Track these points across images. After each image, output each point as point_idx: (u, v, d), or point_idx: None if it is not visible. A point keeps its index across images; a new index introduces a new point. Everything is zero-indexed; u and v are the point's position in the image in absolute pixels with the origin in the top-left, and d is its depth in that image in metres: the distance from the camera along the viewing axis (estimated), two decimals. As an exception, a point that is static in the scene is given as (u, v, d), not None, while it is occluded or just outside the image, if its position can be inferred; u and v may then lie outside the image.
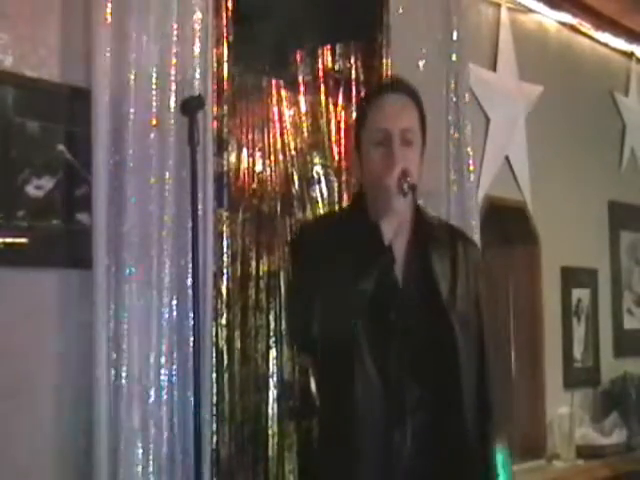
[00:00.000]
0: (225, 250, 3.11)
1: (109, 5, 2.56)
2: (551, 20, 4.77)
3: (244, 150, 3.24)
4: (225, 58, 3.10)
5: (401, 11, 3.59)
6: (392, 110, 2.23)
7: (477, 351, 2.26)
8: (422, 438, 2.14)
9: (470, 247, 2.39)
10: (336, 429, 2.19)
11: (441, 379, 2.17)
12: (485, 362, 2.28)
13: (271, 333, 3.24)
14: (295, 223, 3.34)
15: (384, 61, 3.57)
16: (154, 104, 2.65)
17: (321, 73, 3.49)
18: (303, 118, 3.42)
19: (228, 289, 3.11)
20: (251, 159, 3.26)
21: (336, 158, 3.49)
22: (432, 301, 2.19)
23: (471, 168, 3.80)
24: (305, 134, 3.42)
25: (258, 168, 3.28)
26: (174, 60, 2.70)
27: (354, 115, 2.55)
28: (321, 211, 3.44)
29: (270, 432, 3.20)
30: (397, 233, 2.17)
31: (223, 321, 3.09)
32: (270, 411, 3.21)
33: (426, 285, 2.21)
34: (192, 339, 2.58)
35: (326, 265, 2.11)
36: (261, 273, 3.23)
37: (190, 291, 2.62)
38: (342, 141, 3.51)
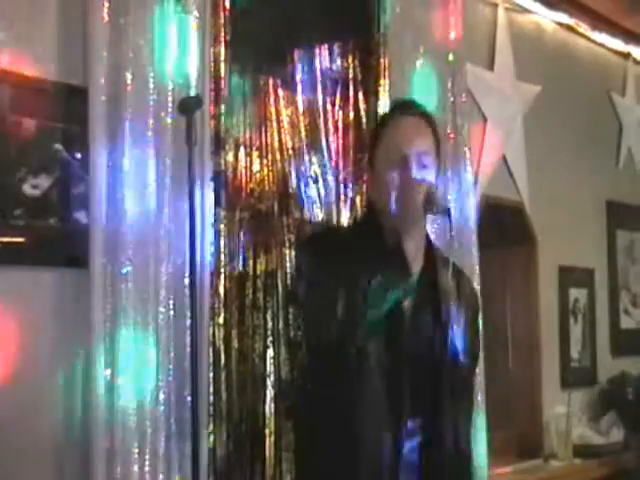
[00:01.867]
0: (222, 249, 3.10)
1: (106, 4, 2.55)
2: (548, 20, 4.78)
3: (241, 149, 3.24)
4: (222, 57, 3.09)
5: (398, 10, 3.59)
6: (410, 132, 2.23)
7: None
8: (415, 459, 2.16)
9: (471, 291, 2.42)
10: (329, 439, 2.17)
11: (436, 407, 2.18)
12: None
13: (268, 332, 3.23)
14: (293, 222, 3.33)
15: (381, 60, 3.57)
16: (151, 103, 2.64)
17: (318, 72, 3.49)
18: (300, 117, 3.42)
19: (225, 288, 3.11)
20: (249, 158, 3.26)
21: (334, 157, 3.48)
22: (438, 327, 2.20)
23: (468, 168, 3.80)
24: (302, 133, 3.41)
25: (256, 167, 3.27)
26: (171, 59, 2.70)
27: (368, 136, 2.55)
28: (319, 211, 3.44)
29: (267, 431, 3.19)
30: (414, 258, 2.18)
31: (220, 320, 3.08)
32: (267, 410, 3.20)
33: (433, 312, 2.22)
34: (189, 338, 2.57)
35: (346, 282, 2.09)
36: (258, 272, 3.23)
37: (187, 290, 2.62)
38: (339, 140, 3.50)
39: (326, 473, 2.18)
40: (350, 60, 3.58)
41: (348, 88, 3.56)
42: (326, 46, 3.53)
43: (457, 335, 2.21)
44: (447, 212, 2.17)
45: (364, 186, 3.50)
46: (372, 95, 3.58)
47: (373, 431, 2.13)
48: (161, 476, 2.59)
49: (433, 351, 2.18)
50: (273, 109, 3.34)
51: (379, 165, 2.25)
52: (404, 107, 2.37)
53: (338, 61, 3.57)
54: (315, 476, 2.23)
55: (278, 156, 3.34)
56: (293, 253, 3.30)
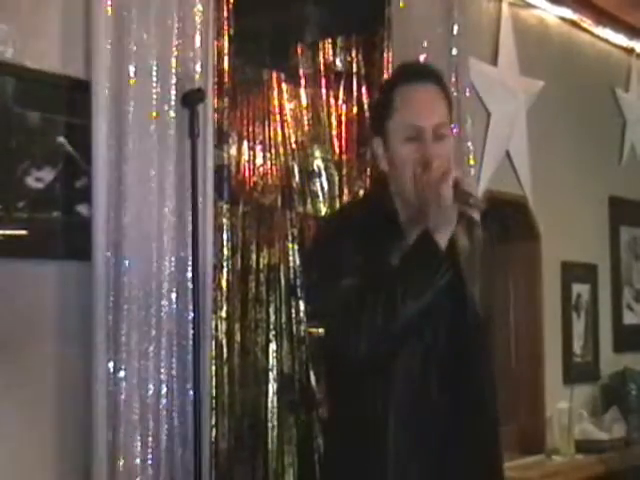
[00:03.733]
0: (225, 243, 3.11)
1: (109, -4, 2.56)
2: (552, 15, 4.76)
3: (244, 143, 3.24)
4: (226, 51, 3.10)
5: (402, 5, 3.59)
6: (424, 105, 2.12)
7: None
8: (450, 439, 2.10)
9: (482, 233, 2.31)
10: (358, 428, 2.11)
11: (473, 379, 2.14)
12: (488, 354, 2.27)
13: (271, 326, 3.24)
14: (295, 216, 3.34)
15: (385, 55, 3.57)
16: (154, 96, 2.64)
17: (322, 66, 3.49)
18: (304, 111, 3.42)
19: (228, 282, 3.11)
20: (251, 152, 3.26)
21: (337, 151, 3.48)
22: (461, 298, 2.14)
23: (472, 162, 3.80)
24: (306, 127, 3.42)
25: (259, 161, 3.28)
26: (175, 52, 2.70)
27: (376, 101, 2.40)
28: (322, 205, 3.44)
29: (269, 425, 3.20)
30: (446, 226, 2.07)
31: (223, 314, 3.09)
32: (269, 404, 3.21)
33: (456, 282, 2.12)
34: (192, 332, 2.58)
35: (368, 271, 2.03)
36: (261, 266, 3.23)
37: (190, 284, 2.62)
38: (343, 134, 3.50)
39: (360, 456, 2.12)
40: (354, 54, 3.58)
41: (352, 82, 3.56)
42: (330, 40, 3.53)
43: (477, 299, 2.15)
44: (479, 205, 2.07)
45: (367, 180, 3.50)
46: (376, 89, 3.57)
47: (408, 414, 2.07)
48: (163, 469, 2.59)
49: (459, 326, 2.12)
50: (276, 103, 3.34)
51: (394, 141, 2.12)
52: (416, 72, 2.22)
53: (342, 55, 3.57)
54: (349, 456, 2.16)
55: (281, 150, 3.34)
56: (296, 247, 3.30)
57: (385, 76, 3.56)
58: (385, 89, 2.24)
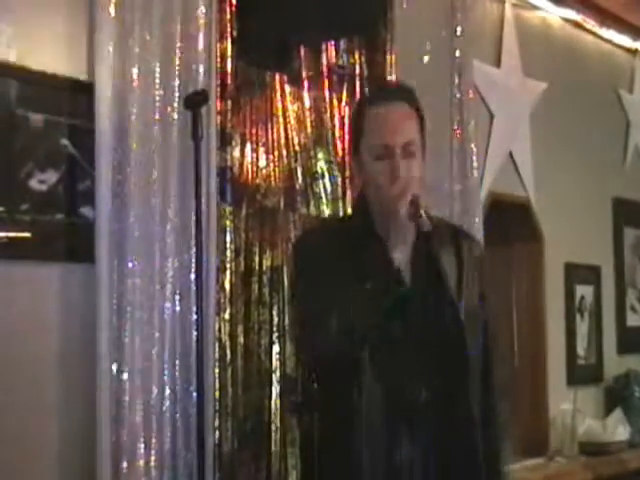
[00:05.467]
0: (228, 245, 3.11)
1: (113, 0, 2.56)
2: (555, 16, 4.76)
3: (248, 145, 3.24)
4: (229, 53, 3.09)
5: (405, 6, 3.59)
6: (391, 124, 2.19)
7: (483, 351, 2.26)
8: (428, 441, 2.14)
9: (473, 245, 2.38)
10: (338, 430, 2.17)
11: (451, 382, 2.16)
12: (489, 361, 2.29)
13: (274, 328, 3.24)
14: (299, 218, 3.33)
15: (388, 57, 3.57)
16: (157, 98, 2.64)
17: (325, 68, 3.48)
18: (307, 113, 3.42)
19: (231, 284, 3.11)
20: (255, 154, 3.26)
21: (340, 154, 3.48)
22: (441, 303, 2.18)
23: (475, 164, 3.80)
24: (309, 129, 3.41)
25: (262, 163, 3.27)
26: (178, 55, 2.70)
27: (351, 122, 2.53)
28: (325, 207, 3.44)
29: (273, 427, 3.20)
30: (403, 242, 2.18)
31: (226, 316, 3.09)
32: (273, 406, 3.21)
33: (434, 288, 2.19)
34: (195, 334, 2.58)
35: (335, 283, 2.12)
36: (264, 268, 3.23)
37: (193, 286, 2.62)
38: (346, 137, 3.50)
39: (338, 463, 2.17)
40: (357, 56, 3.58)
41: (354, 84, 3.56)
42: (332, 42, 3.53)
43: (462, 304, 2.19)
44: (429, 222, 2.13)
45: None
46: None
47: (384, 416, 2.12)
48: (167, 471, 2.59)
49: (440, 333, 2.16)
50: (279, 105, 3.34)
51: (366, 160, 2.21)
52: (384, 93, 2.33)
53: (345, 57, 3.57)
54: (328, 465, 2.22)
55: (284, 152, 3.34)
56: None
57: (388, 78, 3.57)
58: (357, 111, 2.34)
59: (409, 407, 2.14)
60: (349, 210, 3.45)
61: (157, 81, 2.64)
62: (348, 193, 3.47)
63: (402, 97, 2.25)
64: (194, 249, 2.55)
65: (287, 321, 3.26)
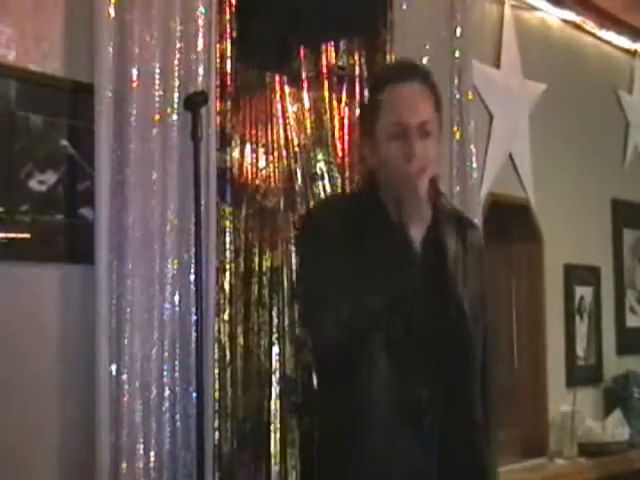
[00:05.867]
0: (228, 245, 3.11)
1: (112, 0, 2.55)
2: (555, 18, 4.76)
3: (247, 146, 3.24)
4: (228, 54, 3.10)
5: (405, 7, 3.59)
6: (408, 102, 2.18)
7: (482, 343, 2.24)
8: (433, 436, 2.12)
9: (475, 232, 2.37)
10: (341, 428, 2.15)
11: (454, 376, 2.14)
12: (487, 355, 2.27)
13: (274, 329, 3.24)
14: (298, 219, 3.33)
15: (388, 57, 3.57)
16: (157, 99, 2.64)
17: (325, 69, 3.48)
18: (306, 114, 3.42)
19: (231, 285, 3.11)
20: (254, 155, 3.26)
21: (339, 154, 3.48)
22: (446, 291, 2.16)
23: (474, 165, 3.80)
24: (308, 130, 3.41)
25: (261, 164, 3.28)
26: (177, 55, 2.70)
27: (366, 101, 2.50)
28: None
29: (272, 428, 3.20)
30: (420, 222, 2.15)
31: (225, 317, 3.09)
32: (272, 407, 3.21)
33: (440, 279, 2.16)
34: (194, 335, 2.57)
35: (346, 263, 2.08)
36: (264, 269, 3.23)
37: (193, 286, 2.62)
38: (345, 137, 3.50)
39: (340, 456, 2.15)
40: (356, 57, 3.58)
41: (354, 85, 3.56)
42: (332, 43, 3.53)
43: (466, 296, 2.16)
44: (447, 206, 2.15)
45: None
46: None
47: (388, 412, 2.10)
48: (166, 472, 2.59)
49: (444, 319, 2.14)
50: (279, 106, 3.34)
51: (381, 139, 2.19)
52: (401, 72, 2.28)
53: (344, 58, 3.57)
54: (331, 459, 2.20)
55: (284, 153, 3.34)
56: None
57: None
58: (372, 90, 2.33)
59: (415, 402, 2.12)
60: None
61: (157, 82, 2.64)
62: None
63: (420, 77, 2.24)
64: (194, 250, 2.55)
65: (287, 322, 3.27)
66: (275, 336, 3.24)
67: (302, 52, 3.43)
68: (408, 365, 2.12)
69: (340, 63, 3.54)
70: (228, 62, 3.10)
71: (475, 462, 2.18)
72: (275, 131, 3.32)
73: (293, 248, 3.28)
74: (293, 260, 3.27)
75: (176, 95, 2.68)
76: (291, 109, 3.38)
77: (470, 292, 2.20)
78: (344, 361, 2.12)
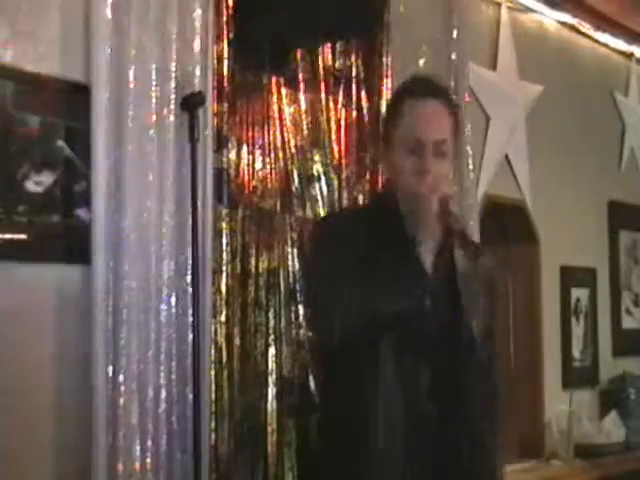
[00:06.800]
0: (224, 247, 3.10)
1: (109, 1, 2.55)
2: (551, 20, 4.77)
3: (244, 147, 3.24)
4: (225, 55, 3.10)
5: (402, 9, 3.60)
6: (427, 119, 2.18)
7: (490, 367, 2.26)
8: (435, 447, 2.13)
9: (486, 258, 2.36)
10: (344, 430, 2.15)
11: (459, 394, 2.15)
12: (495, 385, 2.29)
13: (270, 330, 3.24)
14: (295, 221, 3.33)
15: (384, 59, 3.57)
16: (154, 100, 2.64)
17: (321, 71, 3.48)
18: (303, 116, 3.42)
19: (227, 286, 3.11)
20: (251, 156, 3.26)
21: (336, 156, 3.48)
22: (455, 313, 2.16)
23: (471, 167, 3.81)
24: (305, 132, 3.41)
25: (258, 165, 3.28)
26: (174, 56, 2.70)
27: (384, 109, 2.50)
28: (321, 209, 3.44)
29: (269, 429, 3.20)
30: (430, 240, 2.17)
31: (222, 318, 3.09)
32: (269, 408, 3.21)
33: (450, 298, 2.17)
34: (191, 336, 2.58)
35: (359, 270, 2.09)
36: (260, 270, 3.23)
37: (189, 288, 2.62)
38: (342, 139, 3.50)
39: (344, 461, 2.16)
40: (353, 59, 3.58)
41: (351, 87, 3.56)
42: (329, 45, 3.53)
43: (474, 318, 2.17)
44: (459, 225, 2.16)
45: (366, 185, 3.51)
46: (375, 94, 3.58)
47: (393, 423, 2.10)
48: (163, 474, 2.59)
49: (452, 338, 2.14)
50: (276, 107, 3.34)
51: (397, 151, 2.20)
52: (425, 88, 2.27)
53: (341, 60, 3.57)
54: (334, 463, 2.20)
55: (281, 154, 3.34)
56: (295, 251, 3.30)
57: (384, 80, 3.57)
58: (394, 100, 2.34)
59: (420, 416, 2.13)
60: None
61: (153, 83, 2.64)
62: (345, 195, 3.47)
63: (442, 96, 2.25)
64: (190, 251, 2.55)
65: (283, 323, 3.26)
66: (272, 337, 3.24)
67: (299, 54, 3.43)
68: (414, 376, 2.13)
69: (337, 65, 3.54)
70: (225, 63, 3.10)
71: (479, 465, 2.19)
72: (272, 132, 3.32)
73: (290, 250, 3.28)
74: (290, 262, 3.27)
75: (173, 96, 2.68)
76: (288, 110, 3.38)
77: (478, 314, 2.19)
78: (349, 366, 2.12)
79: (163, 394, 2.61)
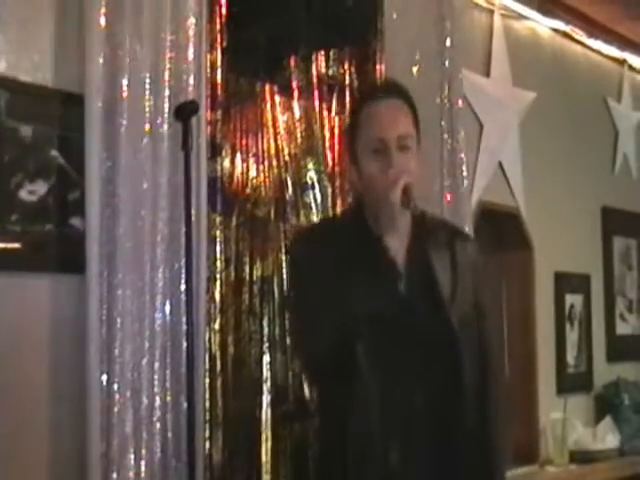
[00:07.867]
0: (219, 255, 3.11)
1: (102, 10, 2.56)
2: (544, 27, 4.79)
3: (238, 155, 3.24)
4: (219, 63, 3.10)
5: (395, 17, 3.60)
6: (387, 117, 2.21)
7: (479, 356, 2.24)
8: (424, 448, 2.14)
9: (467, 244, 2.37)
10: (335, 444, 2.17)
11: (445, 388, 2.16)
12: (488, 367, 2.28)
13: (264, 338, 3.24)
14: (289, 228, 3.34)
15: (378, 67, 3.58)
16: (147, 109, 2.65)
17: (315, 79, 3.49)
18: (297, 123, 3.42)
19: (221, 294, 3.11)
20: (245, 164, 3.26)
21: (330, 164, 3.49)
22: (434, 307, 2.18)
23: (464, 174, 3.81)
24: (299, 139, 3.42)
25: (252, 173, 3.28)
26: (168, 65, 2.71)
27: (347, 121, 2.55)
28: (315, 217, 3.44)
29: (263, 437, 3.20)
30: (399, 242, 2.20)
31: (216, 326, 3.09)
32: (263, 416, 3.20)
33: (428, 290, 2.19)
34: (185, 344, 2.57)
35: (331, 280, 2.12)
36: (254, 278, 3.23)
37: (183, 296, 2.62)
38: (336, 147, 3.51)
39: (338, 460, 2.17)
40: (346, 66, 3.59)
41: (344, 94, 3.56)
42: (323, 52, 3.54)
43: (460, 303, 2.19)
44: (415, 211, 2.18)
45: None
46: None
47: (378, 430, 2.12)
48: (157, 482, 2.59)
49: (431, 329, 2.16)
50: (270, 115, 3.35)
51: (362, 157, 2.23)
52: (380, 89, 2.35)
53: (335, 67, 3.58)
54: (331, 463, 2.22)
55: (274, 162, 3.34)
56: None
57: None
58: (354, 108, 2.38)
59: (405, 409, 2.14)
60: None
61: (147, 92, 2.64)
62: (338, 203, 3.47)
63: (397, 93, 2.28)
64: (184, 259, 2.55)
65: (278, 331, 3.27)
66: (266, 345, 3.24)
67: (292, 61, 3.44)
68: (396, 374, 2.14)
69: (330, 72, 3.54)
70: (219, 72, 3.10)
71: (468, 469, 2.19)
72: (266, 140, 3.32)
73: (284, 257, 3.29)
74: (284, 269, 3.27)
75: (166, 105, 2.68)
76: (281, 118, 3.39)
77: (460, 302, 2.20)
78: (331, 373, 2.14)
79: (157, 402, 2.61)
